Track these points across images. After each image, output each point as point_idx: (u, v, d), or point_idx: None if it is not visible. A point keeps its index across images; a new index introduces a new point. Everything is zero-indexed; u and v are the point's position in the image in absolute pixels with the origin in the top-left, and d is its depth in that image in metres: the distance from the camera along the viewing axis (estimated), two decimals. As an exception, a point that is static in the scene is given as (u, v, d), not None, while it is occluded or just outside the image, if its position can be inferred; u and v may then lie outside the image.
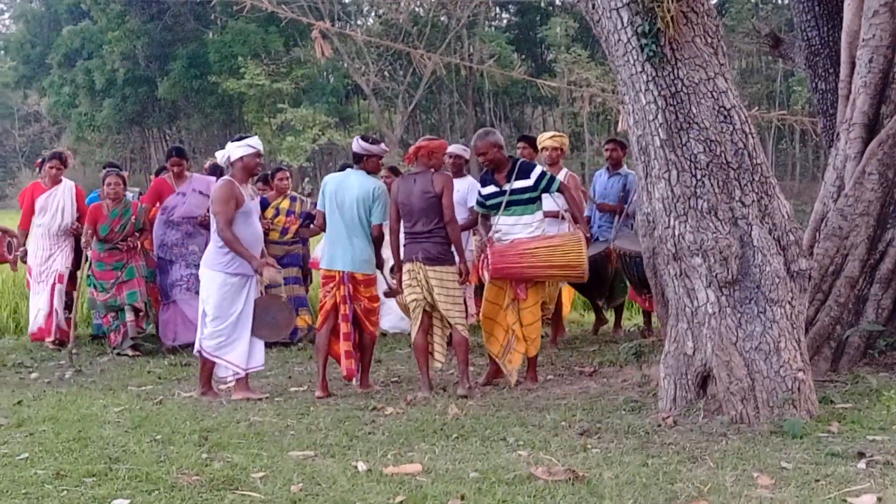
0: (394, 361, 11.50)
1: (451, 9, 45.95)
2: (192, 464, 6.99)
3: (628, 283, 12.26)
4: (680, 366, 8.17)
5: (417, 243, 9.62)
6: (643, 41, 7.99)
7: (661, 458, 6.93)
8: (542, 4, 54.25)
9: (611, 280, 12.22)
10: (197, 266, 12.10)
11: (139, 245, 12.54)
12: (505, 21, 58.53)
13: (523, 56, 51.73)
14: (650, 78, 8.06)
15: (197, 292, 12.15)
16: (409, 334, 12.56)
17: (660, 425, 7.88)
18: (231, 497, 6.17)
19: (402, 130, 47.57)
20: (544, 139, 12.58)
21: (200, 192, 12.63)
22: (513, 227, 9.65)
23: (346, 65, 46.01)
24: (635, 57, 8.11)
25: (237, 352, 9.60)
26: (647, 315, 12.73)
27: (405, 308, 10.90)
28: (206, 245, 12.05)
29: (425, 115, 55.25)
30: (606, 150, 13.11)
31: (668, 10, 7.82)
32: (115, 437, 7.86)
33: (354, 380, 9.95)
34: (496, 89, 50.24)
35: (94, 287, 12.38)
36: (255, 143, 9.68)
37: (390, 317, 13.09)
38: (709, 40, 8.08)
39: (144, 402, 9.49)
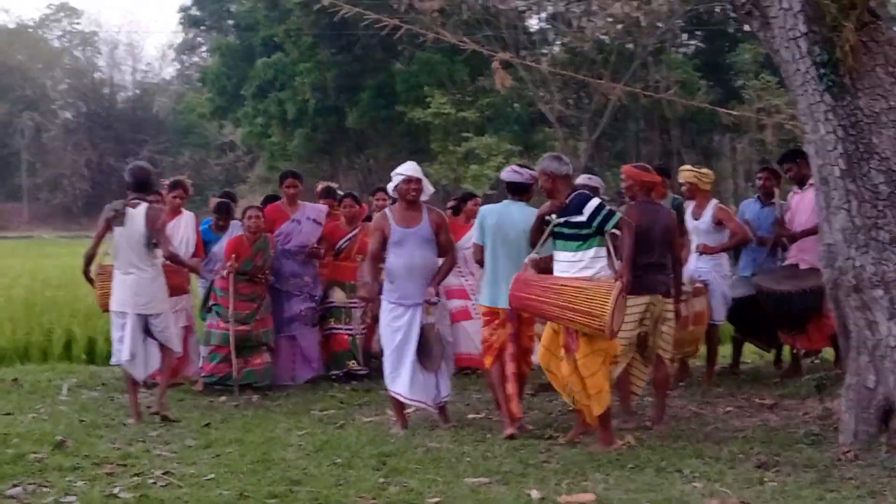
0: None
1: (638, 36, 45.70)
2: (369, 487, 7.17)
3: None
4: (861, 399, 8.07)
5: (656, 275, 9.29)
6: (822, 71, 7.95)
7: (839, 493, 6.88)
8: (731, 30, 53.60)
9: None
10: (313, 298, 12.22)
11: (272, 280, 11.97)
12: (692, 47, 58.01)
13: (711, 83, 51.14)
14: (829, 108, 8.00)
15: (315, 325, 12.17)
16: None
17: (840, 459, 7.78)
18: (406, 521, 6.31)
19: (586, 158, 47.39)
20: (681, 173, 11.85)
21: (314, 221, 12.34)
22: (557, 264, 8.75)
23: (530, 93, 46.15)
24: (814, 87, 8.06)
25: (401, 382, 9.46)
26: (794, 357, 12.09)
27: None
28: (316, 276, 12.20)
29: (611, 143, 54.99)
30: (760, 178, 12.35)
31: (848, 40, 7.76)
32: (296, 460, 8.11)
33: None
34: (683, 116, 49.78)
35: (221, 317, 11.69)
36: (404, 169, 9.67)
37: None
38: (890, 69, 7.99)
39: (326, 426, 9.71)
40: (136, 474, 7.65)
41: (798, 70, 8.17)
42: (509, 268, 9.13)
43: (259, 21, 56.56)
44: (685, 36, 55.82)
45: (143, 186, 10.22)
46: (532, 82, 44.45)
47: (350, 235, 12.54)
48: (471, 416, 10.19)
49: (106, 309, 10.56)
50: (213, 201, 13.19)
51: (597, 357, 8.43)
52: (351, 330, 12.33)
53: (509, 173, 9.63)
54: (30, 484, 7.30)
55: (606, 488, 7.15)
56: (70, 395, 11.52)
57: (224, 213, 12.58)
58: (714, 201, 11.51)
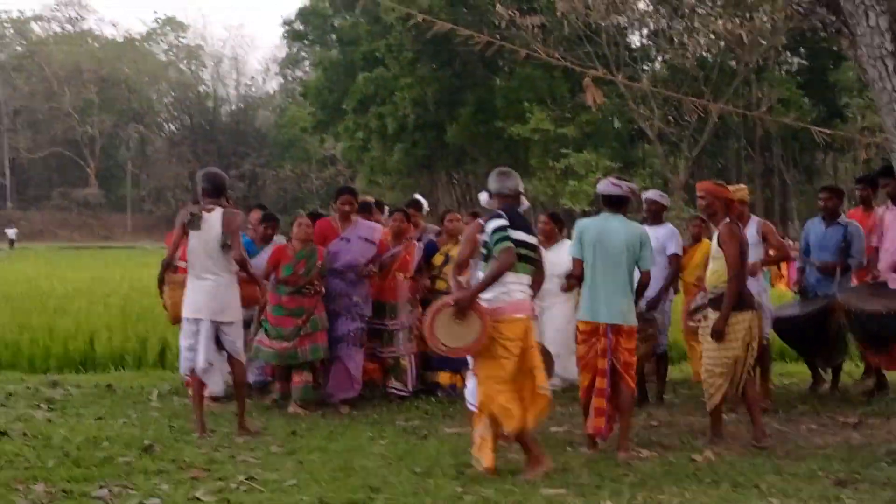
0: (654, 406, 11.47)
1: (740, 53, 45.45)
2: (446, 496, 7.29)
3: (855, 342, 11.38)
4: (944, 419, 8.02)
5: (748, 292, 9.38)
6: (907, 90, 7.90)
7: (916, 512, 6.84)
8: (835, 48, 53.13)
9: (833, 338, 11.30)
10: (362, 318, 11.65)
11: (322, 292, 11.49)
12: (796, 64, 57.55)
13: (814, 100, 50.68)
14: (914, 127, 7.96)
15: (361, 346, 11.63)
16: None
17: (919, 479, 7.73)
18: (479, 529, 6.40)
19: (686, 175, 47.21)
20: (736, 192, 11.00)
21: (366, 239, 11.78)
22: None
23: (630, 109, 46.10)
24: (900, 105, 8.02)
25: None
26: (879, 373, 11.79)
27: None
28: (367, 296, 11.66)
29: (711, 160, 54.76)
30: (821, 199, 12.11)
31: (934, 58, 7.72)
32: (377, 469, 8.23)
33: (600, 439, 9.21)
34: (785, 134, 49.39)
35: (267, 333, 11.32)
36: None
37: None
38: (977, 88, 7.92)
39: (409, 436, 9.78)
40: (220, 479, 7.83)
41: (885, 88, 8.13)
42: (610, 282, 9.00)
43: (361, 36, 57.09)
44: (788, 53, 55.38)
45: (218, 192, 9.99)
46: (632, 99, 44.36)
47: (392, 252, 12.11)
48: (553, 429, 10.21)
49: (177, 320, 10.51)
50: (257, 214, 12.87)
51: (490, 381, 8.15)
52: (393, 352, 11.96)
53: (608, 186, 9.38)
54: (116, 486, 7.50)
55: (682, 502, 7.18)
56: (161, 401, 11.73)
57: (273, 223, 12.53)
58: (755, 218, 11.21)
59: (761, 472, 8.10)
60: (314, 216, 12.22)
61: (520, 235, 8.20)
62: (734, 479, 7.83)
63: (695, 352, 12.50)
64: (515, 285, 8.20)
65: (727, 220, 9.26)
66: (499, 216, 8.22)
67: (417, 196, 13.63)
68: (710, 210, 9.34)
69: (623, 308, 9.04)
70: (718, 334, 9.05)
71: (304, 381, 11.28)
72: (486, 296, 8.10)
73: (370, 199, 13.36)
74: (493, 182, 8.52)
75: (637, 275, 9.25)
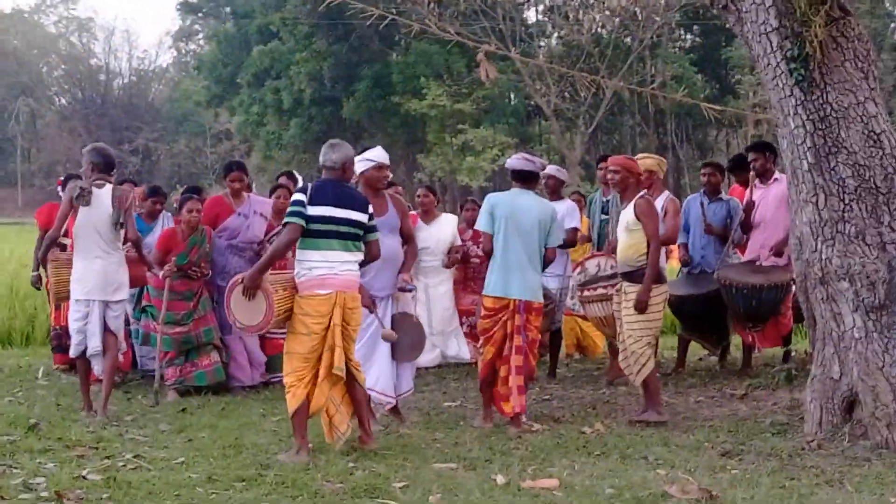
0: (547, 380, 11.55)
1: (635, 30, 45.86)
2: (337, 472, 7.27)
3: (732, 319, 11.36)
4: (826, 390, 8.18)
5: None
6: (792, 65, 8.05)
7: (799, 481, 6.98)
8: (728, 25, 53.70)
9: (724, 318, 11.35)
10: None
11: (209, 274, 11.20)
12: (689, 42, 58.14)
13: (707, 77, 51.25)
14: (798, 102, 8.09)
15: None
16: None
17: (803, 448, 7.91)
18: (370, 504, 6.39)
19: (582, 151, 47.57)
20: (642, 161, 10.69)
21: (261, 215, 11.54)
22: None
23: (527, 86, 46.26)
24: (784, 81, 8.16)
25: (381, 379, 9.01)
26: (748, 351, 11.86)
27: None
28: None
29: (606, 137, 55.14)
30: (703, 174, 12.12)
31: (817, 35, 7.85)
32: (268, 445, 8.21)
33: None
34: (678, 111, 49.89)
35: (153, 318, 11.04)
36: (375, 155, 9.11)
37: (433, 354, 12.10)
38: (859, 65, 8.08)
39: (302, 412, 9.72)
40: (107, 457, 7.74)
41: (769, 64, 8.27)
42: (522, 258, 9.01)
43: (255, 9, 56.53)
44: (682, 30, 55.95)
45: (108, 167, 9.69)
46: (528, 75, 44.51)
47: (278, 229, 11.03)
48: (446, 403, 10.26)
49: (61, 299, 10.23)
50: (136, 189, 12.07)
51: (290, 357, 8.01)
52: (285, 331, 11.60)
53: (520, 161, 9.36)
54: None
55: (570, 474, 7.23)
56: (49, 379, 11.58)
57: (160, 197, 12.18)
58: (666, 192, 10.78)
59: (649, 443, 8.22)
60: (193, 190, 11.99)
61: (325, 211, 7.93)
62: (623, 451, 7.94)
63: (568, 325, 12.56)
64: (318, 262, 7.93)
65: (642, 193, 9.32)
66: (301, 191, 8.05)
67: (293, 170, 13.41)
68: (623, 185, 9.30)
69: (533, 285, 9.10)
70: (643, 305, 9.04)
71: (214, 363, 11.03)
72: (295, 270, 8.04)
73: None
74: (321, 153, 8.26)
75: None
